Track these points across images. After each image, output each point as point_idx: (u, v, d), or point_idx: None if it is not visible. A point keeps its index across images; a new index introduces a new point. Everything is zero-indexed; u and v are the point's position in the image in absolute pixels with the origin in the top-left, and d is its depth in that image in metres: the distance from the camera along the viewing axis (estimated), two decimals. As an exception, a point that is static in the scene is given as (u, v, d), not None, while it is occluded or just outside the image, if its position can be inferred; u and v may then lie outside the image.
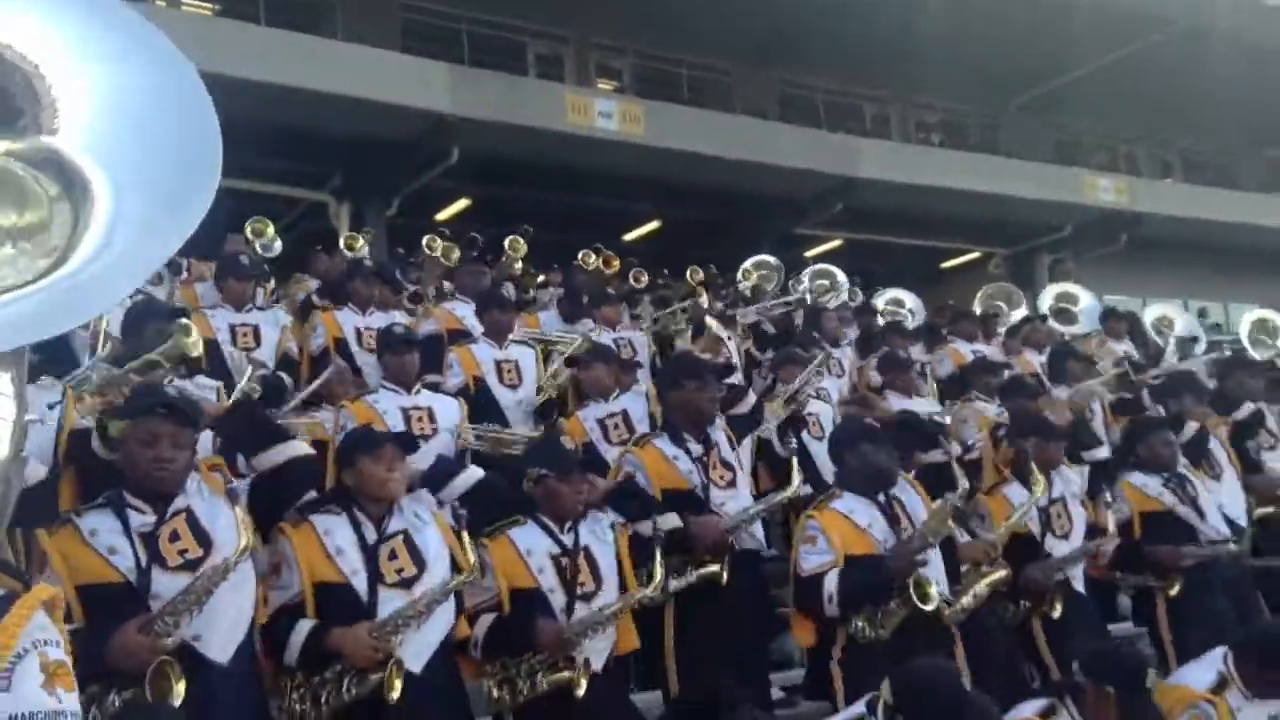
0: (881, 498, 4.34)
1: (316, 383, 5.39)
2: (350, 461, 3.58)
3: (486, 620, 3.75)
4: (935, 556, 4.28)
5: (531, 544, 3.86)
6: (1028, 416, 5.60)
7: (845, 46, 18.98)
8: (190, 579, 2.99)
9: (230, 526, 3.15)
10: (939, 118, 23.30)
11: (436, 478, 3.84)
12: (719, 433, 4.83)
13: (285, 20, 15.01)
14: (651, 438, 4.67)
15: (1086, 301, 11.88)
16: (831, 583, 4.08)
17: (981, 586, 4.56)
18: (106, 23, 1.79)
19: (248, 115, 12.75)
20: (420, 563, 3.47)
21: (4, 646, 1.55)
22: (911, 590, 3.99)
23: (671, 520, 4.33)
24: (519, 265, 11.07)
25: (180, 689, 2.82)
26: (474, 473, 3.99)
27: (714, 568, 4.33)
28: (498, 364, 6.13)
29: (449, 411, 5.19)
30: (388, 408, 5.07)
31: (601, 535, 3.99)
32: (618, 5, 17.55)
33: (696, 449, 4.65)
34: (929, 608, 4.03)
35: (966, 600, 4.48)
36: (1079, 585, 5.12)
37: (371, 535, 3.50)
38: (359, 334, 6.66)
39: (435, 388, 5.86)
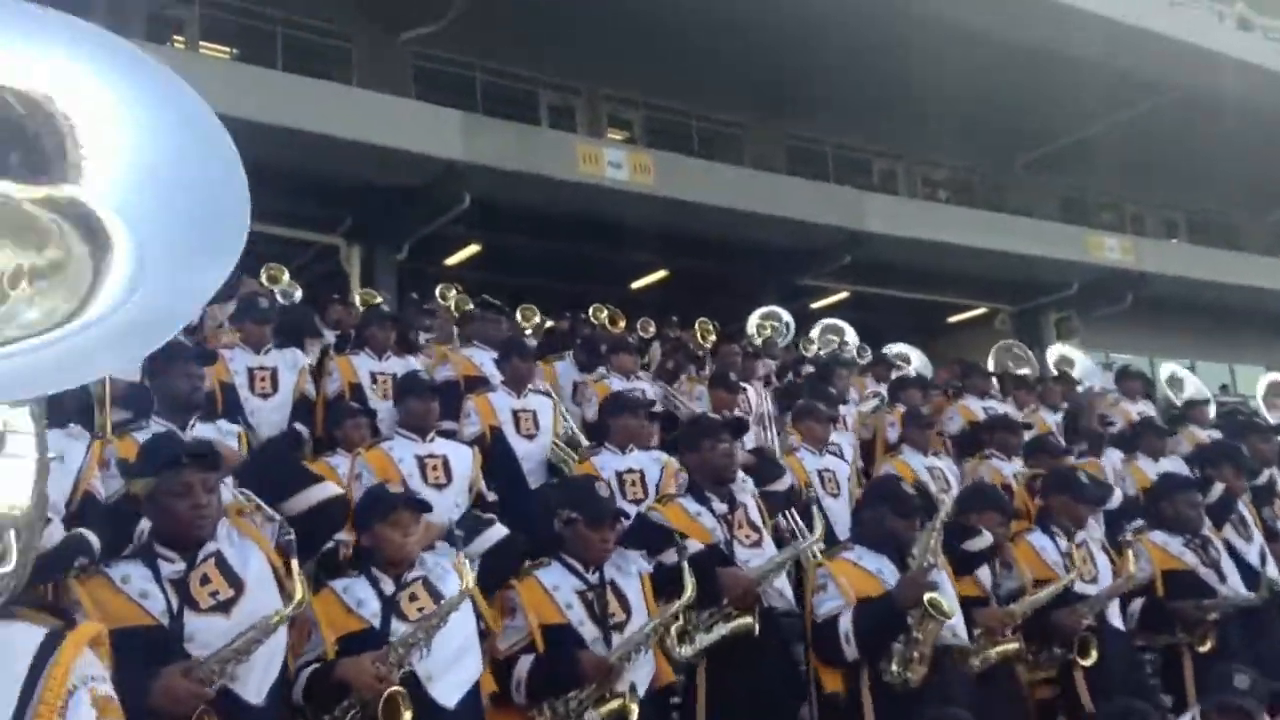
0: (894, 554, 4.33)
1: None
2: (366, 526, 3.58)
3: (526, 662, 3.72)
4: (950, 592, 4.27)
5: (558, 581, 3.87)
6: (1061, 474, 5.57)
7: (854, 102, 19.17)
8: (224, 620, 2.99)
9: (262, 570, 3.13)
10: (946, 174, 23.47)
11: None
12: (747, 496, 4.80)
13: (301, 66, 15.15)
14: (675, 497, 4.64)
15: (1084, 364, 11.92)
16: (846, 623, 4.07)
17: (992, 654, 4.50)
18: (144, 80, 1.77)
19: (261, 158, 12.68)
20: (439, 599, 3.48)
21: (59, 681, 1.56)
22: (928, 609, 3.95)
23: (695, 544, 4.31)
24: (534, 321, 11.06)
25: None
26: (498, 530, 3.96)
27: (746, 620, 4.26)
28: (515, 414, 6.07)
29: (464, 461, 5.13)
30: (403, 455, 4.99)
31: (625, 568, 4.00)
32: (630, 58, 17.73)
33: (720, 507, 4.61)
34: (950, 620, 4.05)
35: (975, 663, 4.42)
36: (1116, 621, 5.08)
37: (390, 589, 3.50)
38: (373, 379, 6.62)
39: (450, 435, 5.81)
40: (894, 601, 4.06)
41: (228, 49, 16.10)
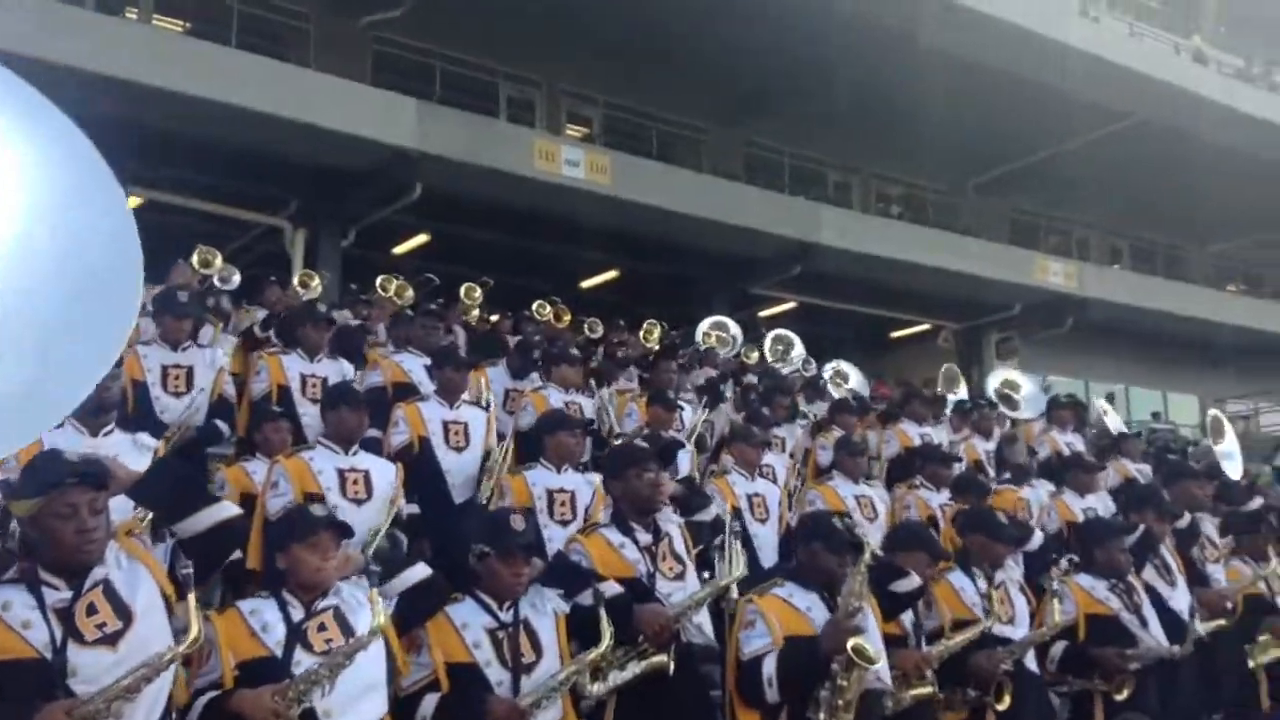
0: (826, 592, 4.30)
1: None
2: (283, 546, 3.47)
3: (430, 702, 3.64)
4: (875, 635, 4.25)
5: (468, 619, 3.78)
6: (978, 514, 5.60)
7: (813, 113, 19.26)
8: (110, 653, 2.86)
9: (152, 598, 3.02)
10: (899, 191, 23.65)
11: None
12: (673, 526, 4.71)
13: (257, 45, 14.88)
14: (599, 527, 4.53)
15: (1028, 389, 12.04)
16: (769, 666, 4.00)
17: (907, 697, 4.53)
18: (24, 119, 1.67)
19: (210, 135, 12.67)
20: (349, 633, 3.39)
21: None
22: (853, 655, 3.94)
23: (613, 588, 4.24)
24: (474, 313, 10.91)
25: None
26: (419, 570, 3.88)
27: (660, 658, 4.22)
28: (446, 425, 5.95)
29: (385, 476, 5.05)
30: (323, 467, 4.89)
31: (540, 607, 3.92)
32: (592, 54, 17.65)
33: (645, 538, 4.51)
34: (875, 666, 4.02)
35: (889, 704, 4.44)
36: (1030, 664, 5.11)
37: (299, 614, 3.40)
38: (304, 381, 6.48)
39: (375, 444, 5.73)
40: (819, 648, 4.02)
41: (181, 23, 15.77)
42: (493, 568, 3.83)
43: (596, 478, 5.93)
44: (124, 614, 2.95)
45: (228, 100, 12.20)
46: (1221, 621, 5.90)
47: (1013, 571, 5.45)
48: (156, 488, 3.27)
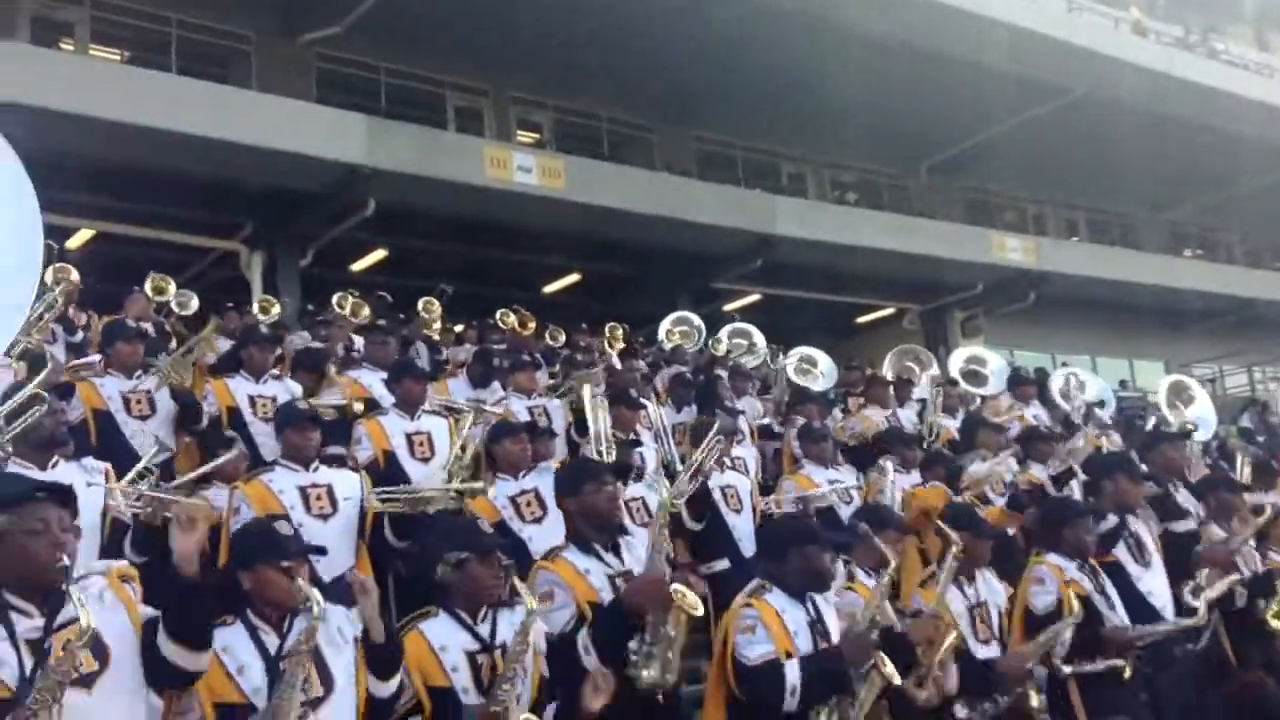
0: (809, 603, 4.21)
1: (211, 465, 5.14)
2: (248, 565, 3.33)
3: None
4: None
5: (446, 640, 3.59)
6: (963, 510, 5.55)
7: (762, 106, 19.33)
8: (85, 695, 2.70)
9: (131, 642, 2.88)
10: (854, 177, 23.77)
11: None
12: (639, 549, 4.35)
13: (198, 69, 14.75)
14: (561, 550, 4.19)
15: (995, 364, 12.08)
16: (794, 674, 3.89)
17: (945, 654, 4.46)
18: None
19: (158, 163, 12.54)
20: (329, 684, 3.24)
21: None
22: (880, 670, 3.90)
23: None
24: (436, 325, 10.85)
25: None
26: None
27: (695, 607, 3.91)
28: (409, 436, 5.91)
29: (349, 487, 4.99)
30: (284, 487, 4.83)
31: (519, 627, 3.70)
32: (536, 59, 17.61)
33: (612, 563, 4.17)
34: (899, 682, 3.99)
35: (932, 683, 4.39)
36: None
37: (273, 644, 3.26)
38: (253, 402, 6.41)
39: (338, 460, 5.67)
40: (843, 659, 3.96)
41: (119, 52, 15.59)
42: (472, 572, 3.67)
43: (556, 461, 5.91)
44: (101, 655, 2.80)
45: (172, 127, 12.09)
46: (1235, 578, 5.53)
47: (998, 595, 5.29)
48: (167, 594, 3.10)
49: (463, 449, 6.03)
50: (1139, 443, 8.20)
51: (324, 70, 16.89)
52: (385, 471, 5.78)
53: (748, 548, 6.42)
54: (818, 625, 4.15)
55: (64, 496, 2.90)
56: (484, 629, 3.68)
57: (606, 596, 4.01)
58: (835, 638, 4.19)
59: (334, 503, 4.90)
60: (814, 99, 18.46)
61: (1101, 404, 11.16)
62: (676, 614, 3.82)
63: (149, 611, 2.95)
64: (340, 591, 3.93)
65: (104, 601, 2.89)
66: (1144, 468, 6.66)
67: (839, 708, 3.96)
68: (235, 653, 3.21)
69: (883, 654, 3.97)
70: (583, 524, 4.24)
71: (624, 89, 18.84)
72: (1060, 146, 21.45)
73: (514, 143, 17.99)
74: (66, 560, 2.78)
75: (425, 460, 5.95)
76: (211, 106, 12.77)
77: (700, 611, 3.89)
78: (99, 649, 2.79)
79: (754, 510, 6.70)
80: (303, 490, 4.84)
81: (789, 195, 20.03)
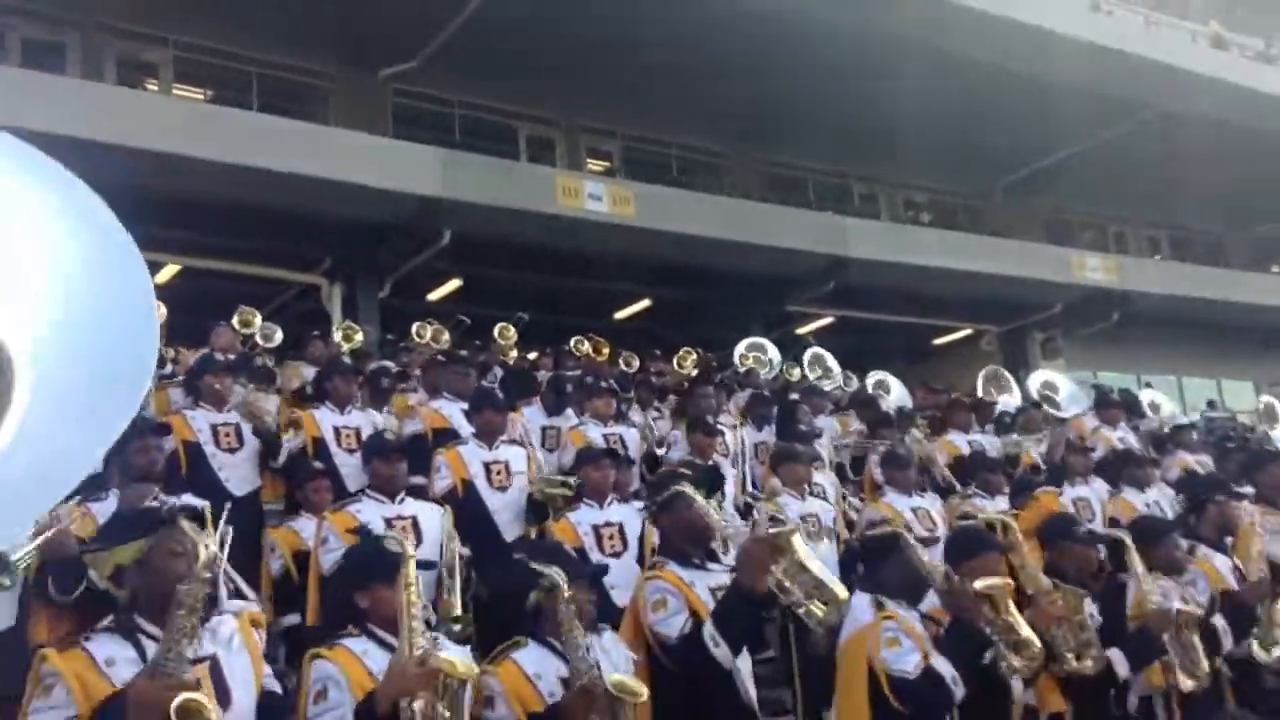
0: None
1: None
2: (363, 585, 3.37)
3: None
4: None
5: (540, 668, 3.54)
6: (1058, 520, 5.44)
7: (832, 128, 19.21)
8: None
9: (249, 688, 2.92)
10: (927, 197, 23.51)
11: None
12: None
13: (277, 107, 15.11)
14: (663, 564, 4.17)
15: (1068, 389, 11.85)
16: (959, 692, 3.84)
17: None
18: (57, 199, 1.62)
19: (239, 199, 12.84)
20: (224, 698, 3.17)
21: None
22: None
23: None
24: (513, 353, 10.93)
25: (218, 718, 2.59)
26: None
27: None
28: (487, 466, 5.94)
29: (433, 521, 5.03)
30: (370, 518, 4.87)
31: (611, 655, 3.70)
32: (606, 89, 17.73)
33: (718, 573, 4.17)
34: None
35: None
36: None
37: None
38: (338, 433, 6.50)
39: (419, 490, 5.71)
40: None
41: (202, 91, 16.04)
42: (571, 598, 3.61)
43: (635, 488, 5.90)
44: (224, 698, 2.83)
45: (254, 164, 12.36)
46: None
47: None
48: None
49: None
50: (1241, 463, 7.94)
51: (399, 105, 17.21)
52: (464, 500, 5.82)
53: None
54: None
55: (200, 521, 2.97)
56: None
57: (710, 606, 3.97)
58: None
59: (419, 535, 4.92)
60: (885, 119, 18.30)
61: (1192, 426, 10.86)
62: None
63: (268, 671, 2.99)
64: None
65: (232, 646, 2.92)
66: (1250, 489, 6.48)
67: None
68: (373, 656, 3.24)
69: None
70: (678, 539, 4.24)
71: (693, 115, 18.87)
72: (1140, 163, 20.99)
73: (585, 171, 18.13)
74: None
75: (503, 489, 5.98)
76: (291, 143, 13.06)
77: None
78: (223, 690, 2.81)
79: (837, 539, 6.61)
80: (388, 521, 4.87)
81: (861, 217, 19.82)
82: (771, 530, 3.91)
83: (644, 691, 3.47)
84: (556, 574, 3.61)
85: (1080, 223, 25.05)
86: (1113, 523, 6.55)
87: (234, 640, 2.93)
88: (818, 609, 3.68)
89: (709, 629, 3.78)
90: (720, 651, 3.74)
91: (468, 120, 17.79)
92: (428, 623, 3.32)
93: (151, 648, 2.75)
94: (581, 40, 15.97)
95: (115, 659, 2.74)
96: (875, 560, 4.33)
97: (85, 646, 2.77)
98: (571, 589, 3.60)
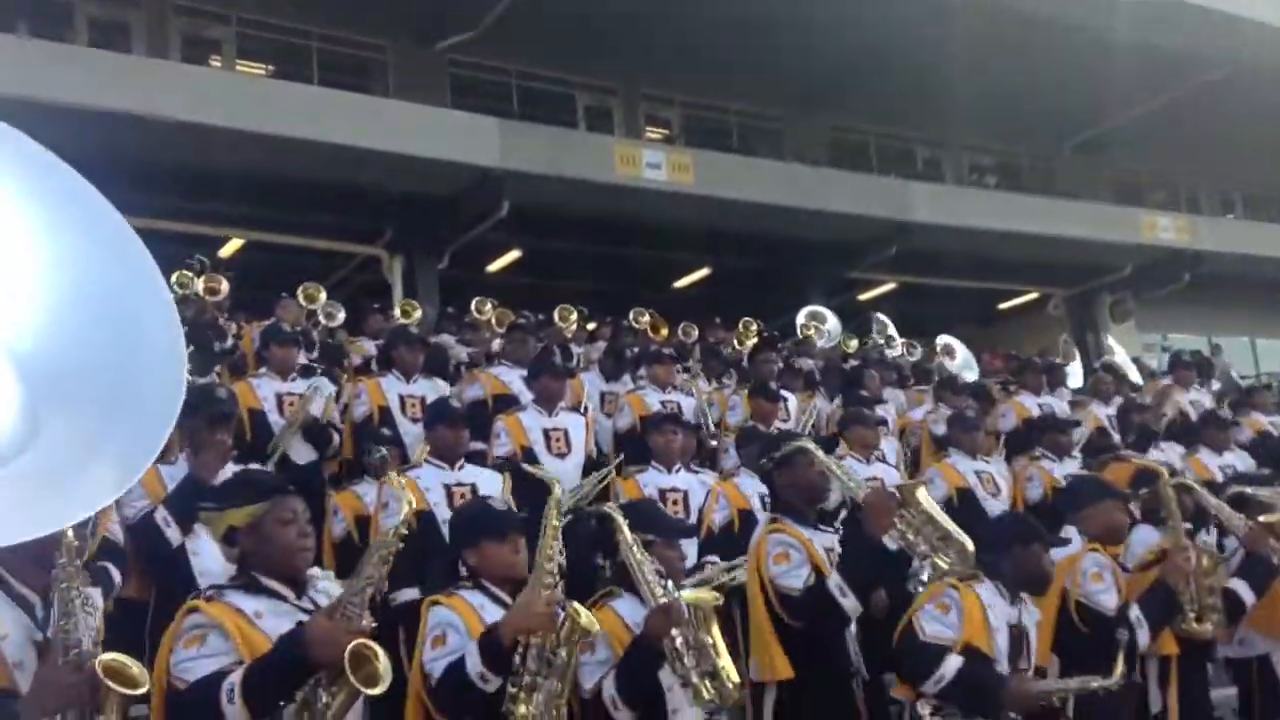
0: (1017, 609, 4.01)
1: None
2: (472, 542, 3.46)
3: (611, 680, 3.47)
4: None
5: (635, 618, 3.57)
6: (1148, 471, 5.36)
7: (894, 91, 18.86)
8: None
9: None
10: (992, 160, 23.06)
11: None
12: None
13: (338, 80, 15.23)
14: (781, 519, 4.26)
15: (1122, 356, 11.67)
16: (950, 668, 3.78)
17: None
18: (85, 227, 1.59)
19: (301, 173, 13.00)
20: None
21: None
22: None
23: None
24: (572, 332, 10.95)
25: (385, 667, 2.66)
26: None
27: None
28: (546, 433, 5.97)
29: (492, 488, 5.04)
30: (430, 484, 4.91)
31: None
32: (665, 56, 17.60)
33: (828, 536, 4.31)
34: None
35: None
36: None
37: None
38: (403, 402, 6.54)
39: (478, 456, 5.75)
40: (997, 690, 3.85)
41: (264, 66, 16.22)
42: (660, 554, 3.70)
43: (711, 477, 5.90)
44: None
45: (315, 137, 12.50)
46: None
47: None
48: None
49: None
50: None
51: (457, 76, 17.25)
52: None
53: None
54: (1016, 629, 3.97)
55: (311, 489, 3.10)
56: None
57: (827, 564, 4.09)
58: (1033, 651, 4.04)
59: (479, 501, 4.94)
60: (946, 81, 17.93)
61: (1268, 386, 10.58)
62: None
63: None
64: None
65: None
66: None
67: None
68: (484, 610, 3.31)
69: None
70: (793, 496, 4.34)
71: (751, 81, 18.66)
72: (1210, 120, 20.34)
73: (643, 139, 18.05)
74: (308, 552, 3.04)
75: (562, 456, 6.01)
76: (351, 116, 13.17)
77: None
78: None
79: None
80: (448, 488, 4.91)
81: (925, 181, 19.49)
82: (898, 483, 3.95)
83: (717, 597, 3.62)
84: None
85: (1151, 183, 24.41)
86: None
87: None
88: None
89: (835, 579, 3.93)
90: (848, 602, 3.90)
91: (525, 90, 17.78)
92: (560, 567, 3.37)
93: (279, 601, 2.91)
94: (638, 6, 15.86)
95: (261, 611, 2.86)
96: (997, 542, 4.23)
97: (229, 600, 2.88)
98: (667, 548, 3.75)
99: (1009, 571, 4.03)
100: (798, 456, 4.38)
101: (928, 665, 3.81)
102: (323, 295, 9.70)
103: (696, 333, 11.72)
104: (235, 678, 2.61)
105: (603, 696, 3.44)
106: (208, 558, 4.23)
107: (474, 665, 3.06)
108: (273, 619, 2.83)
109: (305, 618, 2.83)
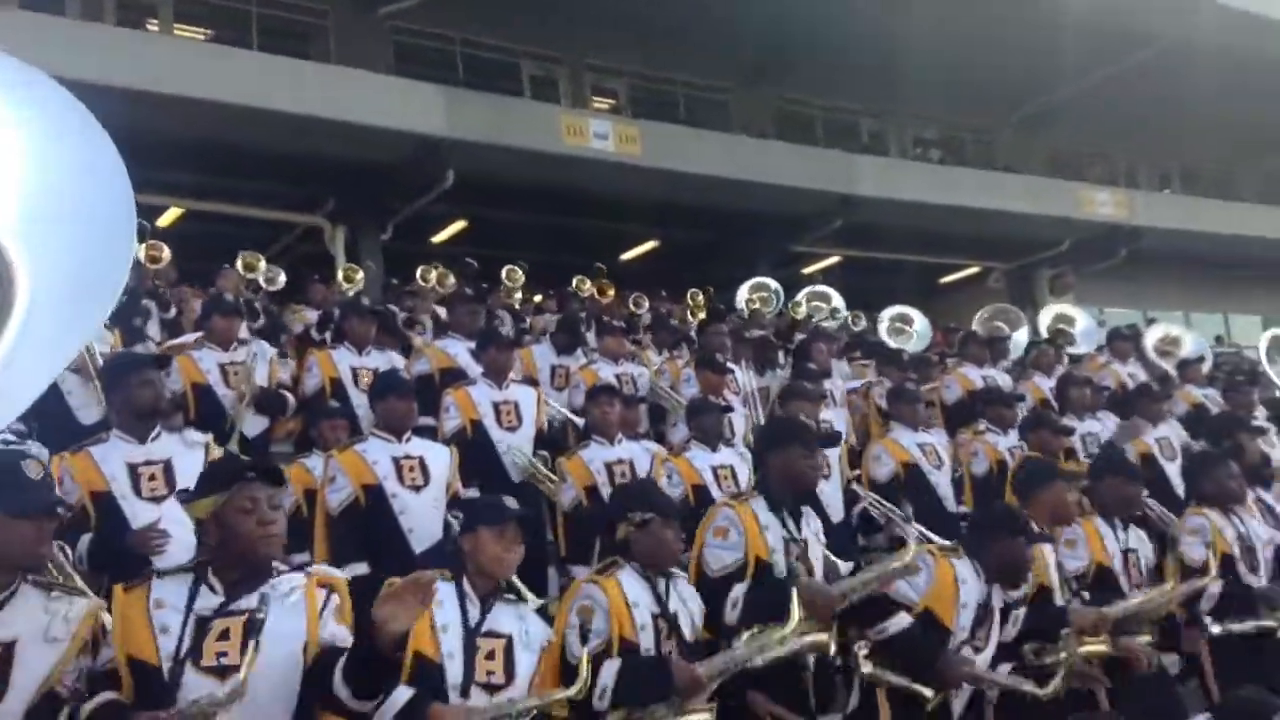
0: (989, 589, 4.10)
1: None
2: (470, 528, 3.41)
3: (612, 667, 3.44)
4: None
5: (637, 596, 3.60)
6: (1108, 456, 5.37)
7: (841, 64, 18.90)
8: (216, 684, 2.66)
9: (291, 648, 2.82)
10: (936, 134, 23.23)
11: None
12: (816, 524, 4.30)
13: (277, 45, 14.91)
14: (749, 498, 4.13)
15: (1084, 323, 11.78)
16: (895, 624, 3.91)
17: (1080, 652, 4.24)
18: (34, 100, 1.62)
19: (240, 140, 12.73)
20: (511, 672, 3.26)
21: None
22: None
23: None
24: (517, 295, 10.88)
25: None
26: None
27: (822, 637, 3.76)
28: (496, 406, 5.91)
29: (440, 461, 5.00)
30: (378, 457, 4.83)
31: (690, 600, 3.78)
32: (612, 26, 17.46)
33: (793, 528, 4.11)
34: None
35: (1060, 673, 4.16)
36: None
37: (475, 616, 3.30)
38: (355, 374, 6.47)
39: (429, 431, 5.70)
40: (931, 654, 3.95)
41: (202, 31, 15.83)
42: (656, 533, 3.68)
43: (654, 445, 5.90)
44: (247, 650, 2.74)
45: (254, 104, 12.26)
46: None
47: (1146, 546, 5.00)
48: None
49: None
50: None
51: (401, 43, 16.96)
52: (474, 441, 5.81)
53: (835, 514, 6.31)
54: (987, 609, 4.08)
55: (275, 477, 2.98)
56: (662, 590, 3.70)
57: (780, 557, 3.97)
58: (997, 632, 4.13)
59: (426, 475, 4.89)
60: (892, 55, 17.97)
61: (1200, 360, 10.79)
62: None
63: (335, 631, 2.91)
64: (439, 561, 3.96)
65: (285, 603, 2.86)
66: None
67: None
68: (443, 611, 3.26)
69: None
70: (778, 483, 4.16)
71: (699, 53, 18.59)
72: (1149, 95, 20.62)
73: (590, 110, 17.92)
74: (273, 539, 2.89)
75: (513, 429, 5.96)
76: (292, 82, 12.94)
77: None
78: (255, 646, 2.68)
79: (842, 477, 6.59)
80: (395, 461, 4.84)
81: (870, 154, 19.61)
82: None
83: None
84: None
85: (1090, 158, 24.77)
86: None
87: (291, 597, 2.89)
88: None
89: (737, 591, 3.81)
90: (733, 615, 3.78)
91: (470, 58, 17.53)
92: None
93: (203, 600, 2.80)
94: (585, -26, 15.73)
95: (165, 601, 2.80)
96: (978, 535, 4.27)
97: (150, 585, 2.84)
98: (665, 526, 3.71)
99: (990, 558, 4.11)
100: (792, 445, 4.20)
101: (878, 615, 3.92)
102: (262, 263, 9.58)
103: (646, 303, 11.73)
104: None
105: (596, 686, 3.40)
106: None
107: None
108: (167, 614, 2.77)
109: (206, 613, 2.78)
